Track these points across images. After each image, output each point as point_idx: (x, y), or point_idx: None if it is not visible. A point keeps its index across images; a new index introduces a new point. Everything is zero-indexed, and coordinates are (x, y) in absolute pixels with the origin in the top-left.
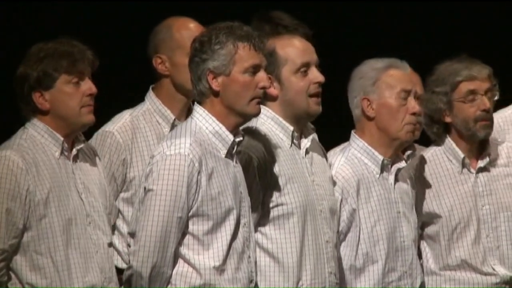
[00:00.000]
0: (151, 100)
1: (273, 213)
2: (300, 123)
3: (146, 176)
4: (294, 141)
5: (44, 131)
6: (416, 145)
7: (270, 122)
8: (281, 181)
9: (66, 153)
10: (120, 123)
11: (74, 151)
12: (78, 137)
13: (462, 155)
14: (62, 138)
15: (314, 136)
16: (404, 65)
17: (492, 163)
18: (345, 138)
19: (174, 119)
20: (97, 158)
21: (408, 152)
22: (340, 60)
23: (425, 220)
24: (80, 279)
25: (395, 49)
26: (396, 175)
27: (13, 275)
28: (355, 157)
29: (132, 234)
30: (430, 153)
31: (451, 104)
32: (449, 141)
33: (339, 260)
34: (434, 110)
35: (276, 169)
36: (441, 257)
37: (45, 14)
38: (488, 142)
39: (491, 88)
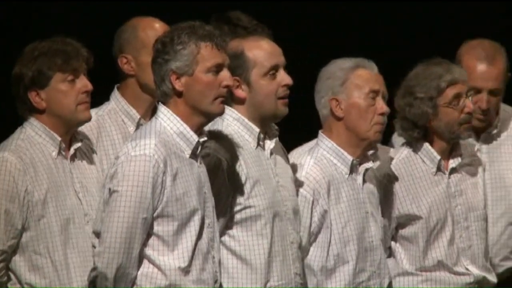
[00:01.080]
0: (116, 100)
1: (241, 215)
2: (266, 125)
3: (110, 177)
4: (260, 142)
5: (42, 130)
6: (378, 145)
7: (236, 124)
8: (248, 183)
9: (63, 153)
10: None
11: (72, 151)
12: (76, 136)
13: (438, 157)
14: (59, 138)
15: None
16: (371, 65)
17: (460, 163)
18: (307, 138)
19: (140, 119)
20: (94, 156)
21: (370, 152)
22: (300, 60)
23: (401, 222)
24: (79, 278)
25: (357, 49)
26: (363, 176)
27: (12, 276)
28: (324, 158)
29: (97, 235)
30: (404, 154)
31: (436, 109)
32: (425, 144)
33: (303, 260)
34: (419, 115)
35: (244, 171)
36: (418, 258)
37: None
38: (458, 142)
39: (469, 89)
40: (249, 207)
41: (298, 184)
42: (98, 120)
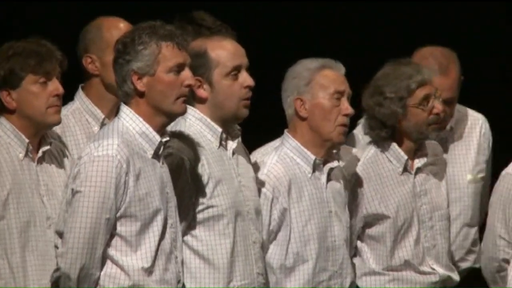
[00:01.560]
0: (81, 99)
1: (204, 215)
2: (227, 125)
3: (73, 178)
4: (222, 142)
5: (11, 131)
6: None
7: (198, 124)
8: (211, 183)
9: (30, 155)
10: None
11: (40, 153)
12: (46, 138)
13: (405, 157)
14: (27, 140)
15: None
16: (338, 66)
17: (425, 162)
18: (269, 138)
19: (104, 118)
20: (65, 160)
21: (334, 151)
22: (265, 60)
23: (368, 221)
24: (36, 282)
25: (323, 50)
26: (328, 175)
27: None
28: (287, 157)
29: (60, 235)
30: (371, 154)
31: (405, 109)
32: (392, 143)
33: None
34: (388, 115)
35: (207, 171)
36: (385, 258)
37: None
38: (424, 142)
39: (437, 89)
40: (212, 206)
41: (260, 182)
42: (62, 120)
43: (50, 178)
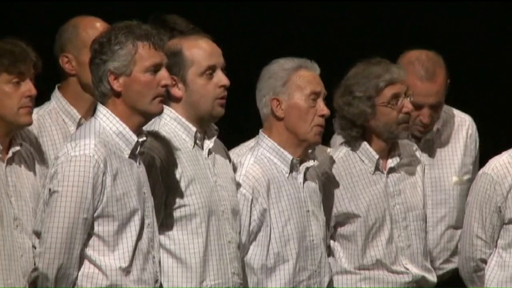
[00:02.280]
0: (57, 99)
1: (176, 214)
2: (203, 125)
3: (50, 178)
4: (197, 142)
5: None
6: None
7: (173, 123)
8: (183, 182)
9: (0, 155)
10: None
11: (10, 154)
12: (16, 139)
13: (376, 156)
14: None
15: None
16: (313, 66)
17: (399, 162)
18: (246, 137)
19: (80, 118)
20: (36, 162)
21: (309, 150)
22: (242, 61)
23: (340, 220)
24: (1, 282)
25: (298, 48)
26: (304, 174)
27: None
28: (264, 157)
29: (37, 235)
30: (343, 153)
31: (374, 108)
32: (363, 143)
33: (243, 260)
34: (357, 114)
35: (179, 170)
36: (357, 257)
37: None
38: (397, 142)
39: (408, 88)
40: (184, 206)
41: (237, 183)
42: (39, 120)
43: (18, 179)
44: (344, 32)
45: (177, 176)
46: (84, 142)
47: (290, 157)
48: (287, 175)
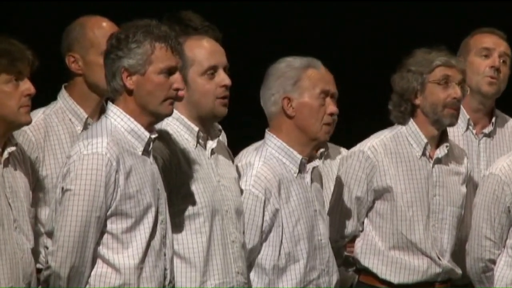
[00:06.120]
0: (64, 99)
1: (179, 213)
2: (206, 124)
3: (63, 176)
4: (200, 141)
5: None
6: (330, 144)
7: (175, 123)
8: (186, 182)
9: None
10: (33, 121)
11: (6, 154)
12: (11, 139)
13: (425, 140)
14: None
15: (223, 137)
16: (319, 64)
17: (448, 157)
18: (246, 137)
19: (87, 118)
20: (27, 162)
21: (321, 150)
22: (249, 61)
23: (377, 196)
24: (4, 285)
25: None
26: (310, 174)
27: None
28: (273, 157)
29: (49, 234)
30: (395, 132)
31: (424, 85)
32: (412, 124)
33: (247, 260)
34: (406, 88)
35: (181, 169)
36: (391, 236)
37: None
38: (447, 134)
39: (464, 81)
40: (187, 205)
41: (248, 184)
42: (46, 119)
43: (14, 179)
44: (344, 32)
45: (180, 176)
46: (97, 141)
47: (299, 156)
48: (295, 175)
